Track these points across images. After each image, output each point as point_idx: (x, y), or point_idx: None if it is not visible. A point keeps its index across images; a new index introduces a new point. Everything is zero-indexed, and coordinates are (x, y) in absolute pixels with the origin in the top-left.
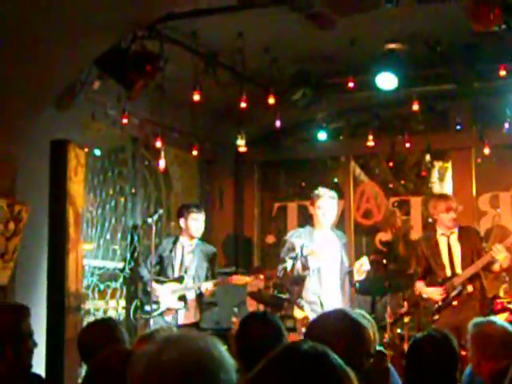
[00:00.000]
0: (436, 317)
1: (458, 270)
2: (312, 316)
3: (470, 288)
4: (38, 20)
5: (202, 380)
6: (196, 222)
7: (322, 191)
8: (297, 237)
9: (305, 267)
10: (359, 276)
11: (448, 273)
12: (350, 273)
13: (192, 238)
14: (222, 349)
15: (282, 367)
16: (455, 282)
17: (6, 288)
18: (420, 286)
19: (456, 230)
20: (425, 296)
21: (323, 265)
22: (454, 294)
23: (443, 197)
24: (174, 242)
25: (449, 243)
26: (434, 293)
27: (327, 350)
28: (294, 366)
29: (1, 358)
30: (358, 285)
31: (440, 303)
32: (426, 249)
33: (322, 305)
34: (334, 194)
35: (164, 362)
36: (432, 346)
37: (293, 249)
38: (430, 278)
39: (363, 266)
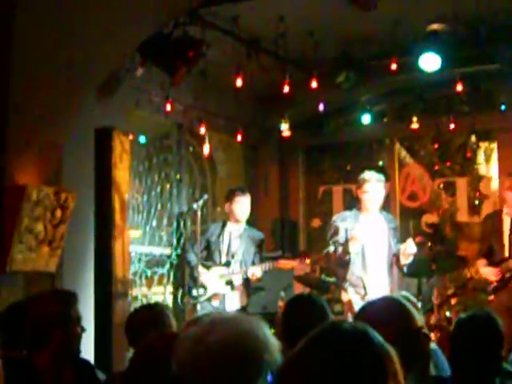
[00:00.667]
0: (491, 297)
1: None
2: (355, 299)
3: None
4: (81, 8)
5: (247, 361)
6: (241, 205)
7: (368, 175)
8: (342, 220)
9: (345, 252)
10: (405, 259)
11: (506, 253)
12: (397, 256)
13: (238, 221)
14: (267, 330)
15: (323, 345)
16: (510, 264)
17: (54, 275)
18: (479, 265)
19: None
20: (482, 275)
21: (368, 249)
22: (508, 275)
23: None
24: (222, 227)
25: None
26: (489, 273)
27: (368, 328)
28: (335, 343)
29: (50, 344)
30: (405, 268)
31: (495, 284)
32: (491, 226)
33: (365, 288)
34: (380, 176)
35: (209, 344)
36: (475, 325)
37: (336, 232)
38: (490, 258)
39: (407, 249)
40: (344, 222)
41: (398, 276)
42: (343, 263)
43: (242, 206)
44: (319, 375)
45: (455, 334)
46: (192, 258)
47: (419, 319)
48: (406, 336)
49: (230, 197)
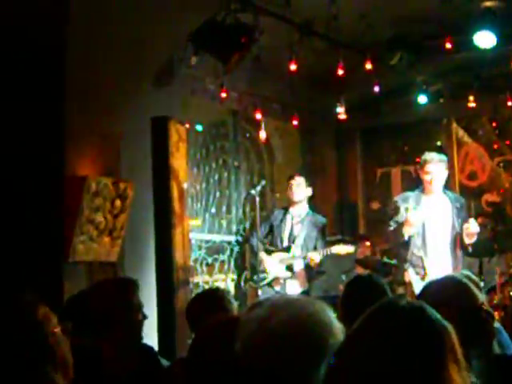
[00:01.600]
0: None
1: None
2: (415, 279)
3: None
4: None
5: (311, 344)
6: (291, 188)
7: (429, 156)
8: (403, 200)
9: (402, 233)
10: (469, 239)
11: None
12: (461, 236)
13: (298, 205)
14: (331, 314)
15: (380, 322)
16: None
17: (115, 264)
18: None
19: None
20: None
21: (429, 229)
22: None
23: None
24: (284, 213)
25: None
26: None
27: (424, 305)
28: (392, 320)
29: (112, 331)
30: (470, 248)
31: None
32: None
33: (424, 268)
34: (442, 157)
35: (273, 326)
36: None
37: (396, 212)
38: None
39: (470, 228)
40: (405, 202)
41: (461, 256)
42: (402, 243)
43: (292, 188)
44: (377, 351)
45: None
46: (255, 242)
47: (481, 298)
48: (467, 314)
49: (287, 183)
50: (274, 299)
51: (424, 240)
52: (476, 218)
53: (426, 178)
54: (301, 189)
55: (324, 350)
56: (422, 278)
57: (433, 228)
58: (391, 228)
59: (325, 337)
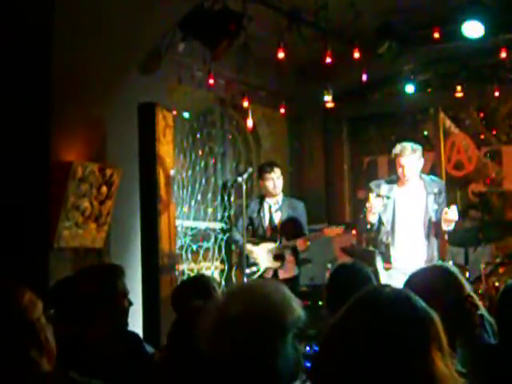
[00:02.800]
0: None
1: None
2: (380, 268)
3: None
4: None
5: (269, 325)
6: (270, 181)
7: (399, 148)
8: (376, 186)
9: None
10: (446, 226)
11: None
12: (438, 222)
13: (274, 196)
14: (286, 291)
15: (365, 309)
16: None
17: (101, 250)
18: None
19: None
20: None
21: (400, 217)
22: None
23: None
24: (260, 203)
25: None
26: None
27: (409, 293)
28: (376, 307)
29: (98, 317)
30: (446, 236)
31: None
32: None
33: (390, 257)
34: (414, 146)
35: (230, 315)
36: None
37: (367, 199)
38: None
39: (448, 214)
40: (377, 188)
41: (438, 244)
42: (375, 230)
43: (271, 181)
44: (361, 339)
45: (502, 301)
46: (237, 237)
47: (468, 287)
48: (454, 305)
49: (259, 174)
50: (229, 288)
51: (393, 227)
52: (466, 210)
53: (399, 170)
54: (280, 180)
55: (284, 328)
56: (386, 269)
57: (403, 215)
58: (361, 215)
59: (282, 315)
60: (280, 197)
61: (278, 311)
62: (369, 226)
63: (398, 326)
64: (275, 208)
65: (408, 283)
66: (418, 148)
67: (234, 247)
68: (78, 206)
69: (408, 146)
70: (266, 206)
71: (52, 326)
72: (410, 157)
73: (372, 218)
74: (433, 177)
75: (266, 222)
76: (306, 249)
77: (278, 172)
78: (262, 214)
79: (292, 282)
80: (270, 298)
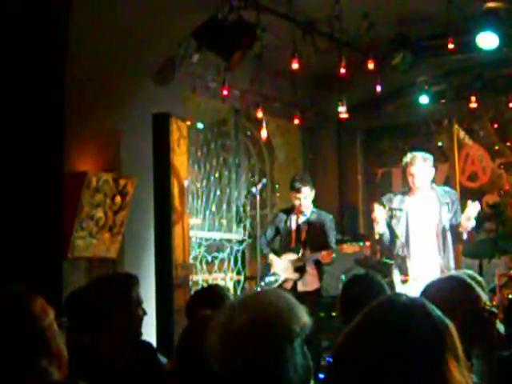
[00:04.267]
0: None
1: None
2: (397, 281)
3: None
4: None
5: (276, 334)
6: (297, 200)
7: (410, 157)
8: (388, 201)
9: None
10: (466, 224)
11: None
12: (454, 229)
13: (302, 212)
14: (290, 299)
15: (381, 317)
16: None
17: (115, 261)
18: None
19: None
20: None
21: (413, 229)
22: None
23: None
24: (289, 213)
25: None
26: None
27: (425, 302)
28: (393, 315)
29: (112, 326)
30: (465, 235)
31: None
32: None
33: (406, 270)
34: (425, 155)
35: (235, 330)
36: None
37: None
38: None
39: (467, 211)
40: (389, 202)
41: (453, 254)
42: (386, 244)
43: (299, 200)
44: (376, 347)
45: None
46: (264, 245)
47: (484, 297)
48: (471, 315)
49: (291, 189)
50: (233, 301)
51: (407, 240)
52: (481, 222)
53: (410, 179)
54: (309, 199)
55: (290, 335)
56: (404, 282)
57: (417, 227)
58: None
59: (287, 323)
60: (309, 209)
61: (283, 319)
62: (377, 237)
63: (413, 334)
64: (303, 220)
65: (424, 294)
66: (429, 157)
67: (258, 257)
68: (92, 216)
69: (418, 154)
70: (293, 217)
71: (64, 334)
72: (421, 165)
73: (378, 229)
74: (445, 187)
75: (293, 233)
76: (331, 262)
77: (306, 192)
78: (288, 225)
79: (313, 296)
80: (274, 307)
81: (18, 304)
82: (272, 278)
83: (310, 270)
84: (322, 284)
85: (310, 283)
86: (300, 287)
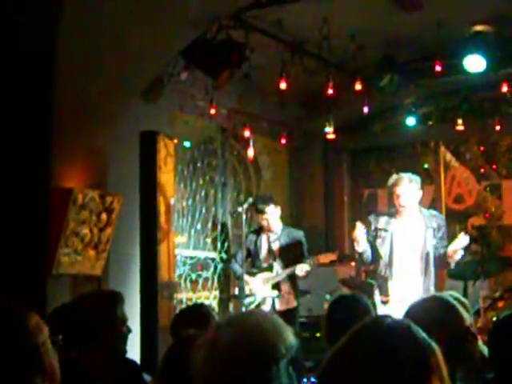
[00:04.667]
0: None
1: None
2: (378, 302)
3: None
4: (126, 13)
5: (262, 355)
6: (264, 220)
7: (396, 178)
8: (374, 219)
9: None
10: (454, 256)
11: None
12: (440, 255)
13: (271, 231)
14: (276, 320)
15: (365, 339)
16: None
17: (100, 278)
18: None
19: None
20: None
21: (397, 250)
22: None
23: None
24: (258, 233)
25: None
26: None
27: (411, 324)
28: (377, 337)
29: (97, 343)
30: (452, 266)
31: None
32: None
33: (387, 291)
34: (412, 177)
35: (220, 351)
36: None
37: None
38: None
39: (456, 242)
40: (376, 220)
41: (434, 280)
42: (366, 263)
43: (266, 221)
44: (362, 369)
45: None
46: (236, 267)
47: (468, 319)
48: (454, 336)
49: (256, 212)
50: (218, 321)
51: (391, 260)
52: (467, 246)
53: (396, 201)
54: (275, 217)
55: (276, 356)
56: (384, 302)
57: (401, 248)
58: None
59: (273, 343)
60: (279, 227)
61: (269, 339)
62: (357, 256)
63: (398, 356)
64: (273, 238)
65: (407, 314)
66: (416, 179)
67: (232, 278)
68: (77, 233)
69: (405, 175)
70: (264, 236)
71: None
72: (406, 186)
73: (358, 248)
74: (433, 211)
75: (264, 253)
76: (306, 275)
77: (270, 211)
78: (259, 245)
79: (291, 314)
80: (260, 327)
81: (13, 319)
82: (250, 299)
83: (286, 288)
84: (300, 302)
85: (286, 302)
86: (278, 306)
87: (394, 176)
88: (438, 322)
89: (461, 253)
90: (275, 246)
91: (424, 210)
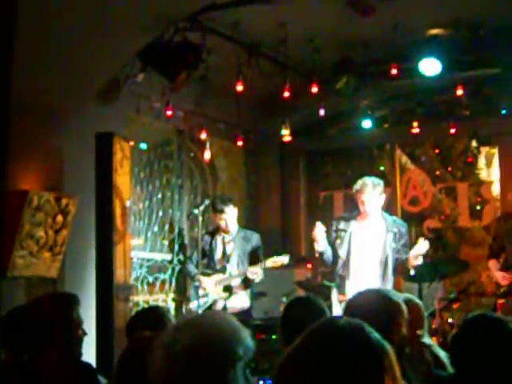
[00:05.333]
0: (501, 301)
1: None
2: (335, 301)
3: None
4: (82, 14)
5: (219, 357)
6: (222, 221)
7: (361, 184)
8: (336, 220)
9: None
10: (415, 261)
11: None
12: (399, 261)
13: (227, 232)
14: (233, 321)
15: (319, 341)
16: None
17: (55, 280)
18: (491, 266)
19: None
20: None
21: (356, 251)
22: None
23: None
24: (214, 235)
25: None
26: (500, 277)
27: (364, 324)
28: (331, 339)
29: (51, 346)
30: (412, 272)
31: (505, 288)
32: (504, 227)
33: (344, 290)
34: (375, 182)
35: (178, 352)
36: (485, 325)
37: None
38: (503, 260)
39: (416, 248)
40: (337, 222)
41: (393, 281)
42: (326, 263)
43: (224, 221)
44: (315, 370)
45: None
46: (191, 268)
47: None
48: (387, 329)
49: (212, 210)
50: (175, 323)
51: (348, 260)
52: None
53: (360, 206)
54: (233, 219)
55: (233, 359)
56: (341, 302)
57: (359, 249)
58: None
59: (230, 346)
60: (234, 228)
61: (226, 342)
62: (317, 255)
63: (351, 356)
64: (229, 239)
65: (347, 308)
66: (379, 183)
67: (188, 280)
68: (32, 235)
69: (369, 182)
70: (219, 238)
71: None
72: (370, 193)
73: (318, 247)
74: (396, 218)
75: (219, 254)
76: (258, 279)
77: (229, 212)
78: (214, 246)
79: (244, 315)
80: (217, 330)
81: None
82: (202, 301)
83: (238, 289)
84: (253, 303)
85: (238, 303)
86: (230, 307)
87: (359, 182)
88: (373, 313)
89: (421, 259)
90: (229, 248)
91: (386, 215)
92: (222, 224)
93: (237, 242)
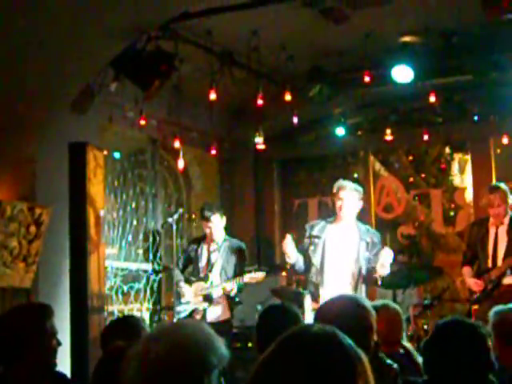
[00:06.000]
0: (475, 307)
1: (500, 262)
2: (309, 308)
3: (506, 281)
4: (54, 23)
5: (193, 366)
6: (207, 229)
7: (342, 183)
8: (311, 228)
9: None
10: (382, 271)
11: (489, 264)
12: (370, 270)
13: (213, 241)
14: (208, 331)
15: (292, 348)
16: (492, 276)
17: (29, 291)
18: (464, 273)
19: (507, 222)
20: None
21: (329, 258)
22: (490, 286)
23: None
24: (199, 242)
25: (496, 233)
26: (473, 284)
27: (337, 331)
28: (304, 346)
29: (26, 357)
30: (380, 281)
31: (478, 294)
32: (476, 234)
33: (318, 297)
34: (356, 186)
35: (152, 361)
36: (458, 330)
37: (301, 239)
38: (476, 266)
39: (381, 257)
40: (311, 228)
41: (366, 289)
42: (300, 273)
43: (209, 229)
44: (288, 377)
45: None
46: (177, 272)
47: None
48: (356, 335)
49: (200, 218)
50: (149, 332)
51: (322, 267)
52: (395, 253)
53: (337, 203)
54: (219, 227)
55: (207, 367)
56: (314, 309)
57: (333, 256)
58: None
59: (204, 354)
60: (221, 237)
61: (201, 350)
62: (288, 267)
63: (324, 363)
64: (214, 247)
65: (318, 314)
66: (359, 189)
67: (165, 289)
68: (6, 246)
69: (349, 183)
70: (204, 245)
71: None
72: (351, 193)
73: (288, 259)
74: (370, 227)
75: (204, 262)
76: (234, 292)
77: (215, 220)
78: (199, 253)
79: (224, 325)
80: (192, 338)
81: None
82: (182, 308)
83: (219, 299)
84: (234, 314)
85: (219, 313)
86: (210, 317)
87: (340, 181)
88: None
89: (388, 269)
90: (214, 257)
91: (360, 224)
92: (208, 232)
93: (222, 252)
